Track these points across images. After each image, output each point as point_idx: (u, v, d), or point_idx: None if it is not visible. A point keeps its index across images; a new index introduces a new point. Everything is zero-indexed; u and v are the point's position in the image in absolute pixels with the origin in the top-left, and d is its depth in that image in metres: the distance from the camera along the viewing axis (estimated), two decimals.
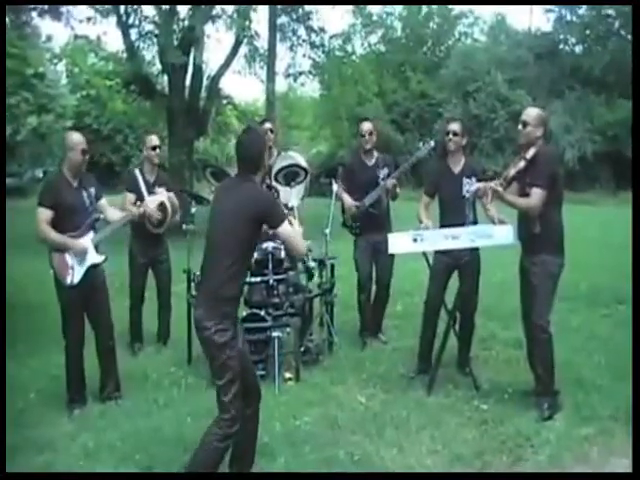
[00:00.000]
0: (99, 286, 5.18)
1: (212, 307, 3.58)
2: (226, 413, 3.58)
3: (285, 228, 3.62)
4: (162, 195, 5.72)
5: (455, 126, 5.63)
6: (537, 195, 4.71)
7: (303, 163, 6.23)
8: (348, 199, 6.50)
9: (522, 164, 4.80)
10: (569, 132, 27.06)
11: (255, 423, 3.88)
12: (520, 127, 4.86)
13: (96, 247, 5.10)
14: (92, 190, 5.17)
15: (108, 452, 4.34)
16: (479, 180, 5.42)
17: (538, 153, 4.76)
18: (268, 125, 6.62)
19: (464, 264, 5.49)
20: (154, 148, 6.41)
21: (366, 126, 6.52)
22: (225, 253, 3.60)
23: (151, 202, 5.52)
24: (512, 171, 4.86)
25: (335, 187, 6.37)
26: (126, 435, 4.55)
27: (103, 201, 5.31)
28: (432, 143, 6.21)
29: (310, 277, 6.13)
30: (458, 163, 5.67)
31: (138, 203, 5.49)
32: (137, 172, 6.37)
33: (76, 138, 5.05)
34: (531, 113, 4.88)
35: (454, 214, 5.50)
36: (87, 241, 5.02)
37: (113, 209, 5.39)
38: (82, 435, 4.61)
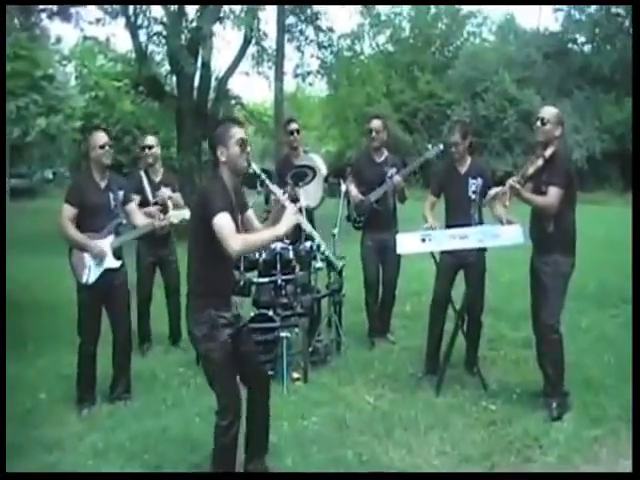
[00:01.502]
0: (119, 286, 5.20)
1: (190, 303, 3.73)
2: (218, 404, 3.67)
3: (216, 221, 3.42)
4: (186, 212, 5.63)
5: (454, 137, 5.60)
6: (555, 193, 4.69)
7: (319, 166, 6.21)
8: (354, 190, 6.47)
9: (540, 162, 4.77)
10: (577, 131, 26.98)
11: (265, 407, 3.93)
12: (539, 124, 4.82)
13: (115, 251, 5.12)
14: (120, 193, 5.20)
15: (116, 452, 4.35)
16: (484, 181, 5.49)
17: (556, 152, 4.75)
18: (294, 126, 6.60)
19: (469, 264, 5.49)
20: (143, 149, 6.44)
21: (375, 123, 6.48)
22: (191, 250, 3.72)
23: (175, 217, 5.46)
24: (530, 169, 4.83)
25: (343, 187, 6.38)
26: (134, 435, 4.56)
27: (131, 205, 5.34)
28: (441, 146, 6.16)
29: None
30: (464, 164, 5.66)
31: (161, 216, 5.46)
32: (142, 173, 6.39)
33: (95, 135, 5.09)
34: (551, 111, 4.86)
35: (460, 214, 5.50)
36: (106, 244, 5.04)
37: (140, 214, 5.41)
38: (91, 435, 4.62)
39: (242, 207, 3.87)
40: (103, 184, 5.10)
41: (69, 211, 4.97)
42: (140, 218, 5.35)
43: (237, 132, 3.63)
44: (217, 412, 3.67)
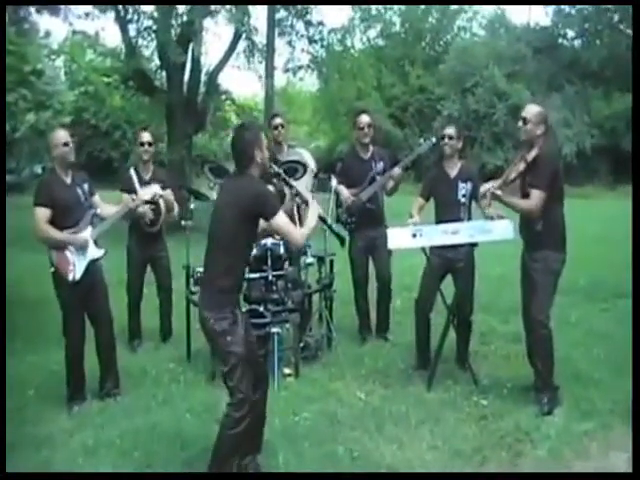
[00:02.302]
0: (98, 282, 5.18)
1: (210, 298, 3.79)
2: (233, 397, 3.71)
3: (278, 219, 3.72)
4: (155, 187, 5.67)
5: (450, 130, 5.61)
6: (537, 196, 4.68)
7: (308, 160, 6.18)
8: (345, 191, 6.38)
9: (522, 166, 4.77)
10: (568, 126, 27.06)
11: (262, 407, 3.98)
12: (520, 123, 4.82)
13: (95, 242, 5.10)
14: (85, 186, 5.19)
15: (107, 449, 4.33)
16: (474, 185, 5.52)
17: (539, 154, 4.72)
18: (279, 120, 6.53)
19: (458, 270, 5.49)
20: (142, 144, 6.39)
21: (364, 119, 6.40)
22: (222, 247, 3.78)
23: (144, 194, 5.50)
24: (513, 174, 4.83)
25: (334, 182, 6.30)
26: (125, 432, 4.54)
27: (96, 197, 5.32)
28: (433, 140, 6.10)
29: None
30: (454, 167, 5.66)
31: (133, 197, 5.49)
32: (132, 171, 6.34)
33: (57, 134, 5.08)
34: (532, 110, 4.82)
35: (449, 218, 5.47)
36: (87, 235, 5.02)
37: (106, 205, 5.39)
38: (81, 432, 4.60)
39: None
40: (68, 180, 5.08)
41: (43, 213, 4.90)
42: (107, 208, 5.33)
43: (263, 137, 3.91)
44: (230, 404, 3.71)
